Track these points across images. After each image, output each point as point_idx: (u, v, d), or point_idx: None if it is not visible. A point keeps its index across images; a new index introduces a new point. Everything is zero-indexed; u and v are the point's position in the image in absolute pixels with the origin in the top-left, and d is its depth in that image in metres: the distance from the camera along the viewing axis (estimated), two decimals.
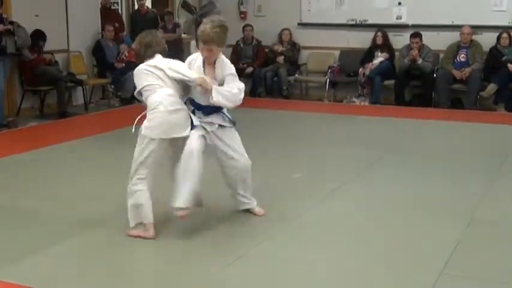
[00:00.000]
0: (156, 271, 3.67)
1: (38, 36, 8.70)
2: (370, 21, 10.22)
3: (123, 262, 3.78)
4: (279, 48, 10.59)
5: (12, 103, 8.71)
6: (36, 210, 4.61)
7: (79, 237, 4.10)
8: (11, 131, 7.91)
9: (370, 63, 9.75)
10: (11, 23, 8.06)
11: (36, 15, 8.88)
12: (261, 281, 3.43)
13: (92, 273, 3.58)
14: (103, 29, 10.03)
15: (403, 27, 9.89)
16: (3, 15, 7.97)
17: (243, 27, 10.75)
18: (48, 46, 8.93)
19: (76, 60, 9.73)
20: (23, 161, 6.21)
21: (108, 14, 10.41)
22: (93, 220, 4.37)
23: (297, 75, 10.58)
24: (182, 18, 10.91)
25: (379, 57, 9.77)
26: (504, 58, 8.84)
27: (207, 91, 4.00)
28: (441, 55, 9.54)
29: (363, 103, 9.77)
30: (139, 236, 3.99)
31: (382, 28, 9.94)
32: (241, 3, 11.26)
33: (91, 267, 3.66)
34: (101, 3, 10.46)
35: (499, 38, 9.10)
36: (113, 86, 9.91)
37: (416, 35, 9.42)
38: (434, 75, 9.32)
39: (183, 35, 10.91)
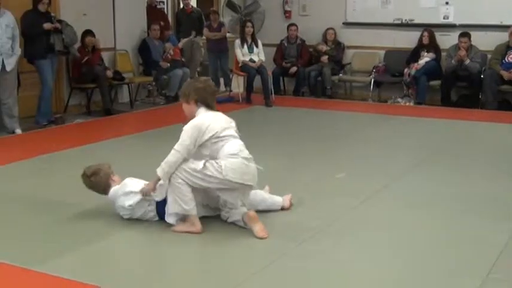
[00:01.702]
0: (198, 268, 3.68)
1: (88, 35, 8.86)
2: (416, 21, 10.08)
3: (165, 258, 3.81)
4: (323, 47, 10.54)
5: (60, 100, 8.88)
6: (81, 206, 4.66)
7: (124, 233, 4.14)
8: (59, 127, 8.05)
9: (416, 63, 9.63)
10: (59, 21, 8.19)
11: (84, 14, 9.02)
12: (299, 281, 3.42)
13: (136, 268, 3.63)
14: (149, 27, 10.13)
15: (450, 26, 9.74)
16: (52, 14, 8.11)
17: (288, 27, 10.72)
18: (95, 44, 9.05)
19: (122, 59, 9.87)
20: (69, 157, 6.32)
21: (153, 13, 10.52)
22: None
23: (341, 74, 10.52)
24: (227, 17, 10.95)
25: (425, 57, 9.63)
26: None
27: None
28: (489, 55, 9.36)
29: (407, 103, 9.66)
30: (186, 232, 4.03)
31: (428, 28, 9.79)
32: (286, 3, 11.23)
33: (135, 263, 3.73)
34: (147, 2, 10.58)
35: None
36: (155, 83, 10.02)
37: (464, 35, 9.24)
38: (482, 75, 9.15)
39: (227, 33, 10.95)
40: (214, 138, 4.00)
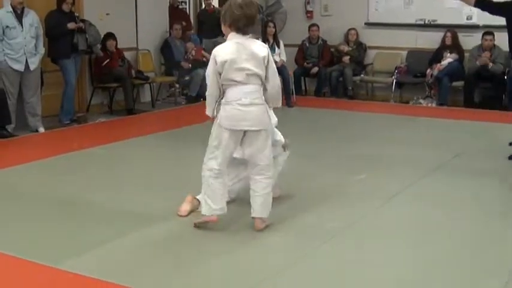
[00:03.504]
0: (221, 263, 3.67)
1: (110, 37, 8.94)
2: (439, 21, 10.03)
3: (186, 255, 3.81)
4: (345, 48, 10.53)
5: (83, 99, 8.96)
6: (102, 203, 4.70)
7: (144, 230, 4.15)
8: (81, 126, 8.12)
9: (439, 64, 9.58)
10: (83, 21, 8.26)
11: (107, 14, 9.10)
12: (319, 281, 3.41)
13: (156, 265, 3.63)
14: (171, 27, 10.18)
15: (474, 27, 9.66)
16: (75, 14, 8.18)
17: (309, 27, 10.72)
18: (120, 44, 9.14)
19: (144, 58, 9.93)
20: (91, 156, 6.37)
21: (176, 13, 10.58)
22: (159, 213, 4.43)
23: (362, 75, 10.49)
24: None
25: (448, 58, 9.57)
26: None
27: None
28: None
29: (430, 104, 9.61)
30: (204, 222, 4.06)
31: (451, 28, 9.75)
32: (308, 3, 11.23)
33: (155, 260, 3.72)
34: (169, 2, 10.63)
35: None
36: (178, 85, 10.07)
37: (489, 33, 9.18)
38: (505, 77, 9.06)
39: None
40: (224, 81, 3.90)
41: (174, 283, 3.39)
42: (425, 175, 5.53)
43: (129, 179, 5.44)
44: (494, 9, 6.32)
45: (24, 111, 7.60)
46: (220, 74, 3.88)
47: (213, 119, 4.01)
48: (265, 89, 3.98)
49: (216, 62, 3.88)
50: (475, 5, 6.32)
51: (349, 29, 10.59)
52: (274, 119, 4.27)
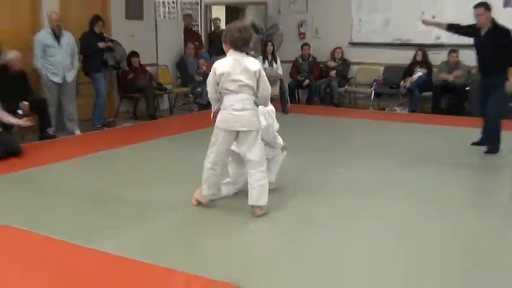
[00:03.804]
0: (224, 244, 3.68)
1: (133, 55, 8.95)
2: (412, 41, 10.03)
3: (197, 237, 3.83)
4: (332, 63, 10.54)
5: (112, 107, 8.99)
6: (129, 194, 4.72)
7: (163, 216, 4.18)
8: (110, 129, 8.15)
9: (410, 77, 9.59)
10: (111, 41, 8.29)
11: (132, 36, 9.13)
12: (310, 262, 3.43)
13: (172, 245, 3.67)
14: (185, 46, 10.19)
15: (440, 46, 9.67)
16: (105, 35, 8.21)
17: (302, 46, 10.72)
18: (143, 60, 9.16)
19: (163, 73, 9.96)
20: (119, 154, 6.40)
21: (189, 34, 10.58)
22: (178, 202, 4.46)
23: (346, 86, 10.49)
24: (251, 38, 10.96)
25: (419, 72, 9.58)
26: None
27: None
28: (473, 70, 9.27)
29: (403, 111, 9.62)
30: (199, 201, 4.32)
31: (422, 47, 9.77)
32: (301, 26, 11.24)
33: (171, 241, 3.75)
34: (184, 24, 10.64)
35: None
36: (192, 95, 10.08)
37: (454, 51, 9.26)
38: (467, 88, 9.07)
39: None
40: (222, 89, 4.02)
41: (186, 260, 3.40)
42: (399, 171, 5.56)
43: (151, 174, 5.46)
44: (462, 32, 6.37)
45: (62, 117, 7.62)
46: (218, 84, 4.02)
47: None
48: (256, 97, 4.05)
49: (215, 73, 4.02)
50: (448, 30, 6.41)
51: (335, 48, 10.59)
52: (263, 123, 4.29)
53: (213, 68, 4.07)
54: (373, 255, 3.50)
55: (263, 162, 4.15)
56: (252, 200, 4.11)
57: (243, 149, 4.10)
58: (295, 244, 3.67)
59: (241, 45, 4.01)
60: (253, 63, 4.01)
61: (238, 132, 4.06)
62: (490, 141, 6.24)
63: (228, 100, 4.02)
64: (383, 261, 3.40)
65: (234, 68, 3.96)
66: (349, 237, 3.80)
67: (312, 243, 3.70)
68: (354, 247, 3.62)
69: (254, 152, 4.08)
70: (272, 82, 4.27)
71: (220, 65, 4.02)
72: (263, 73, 4.05)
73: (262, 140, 4.19)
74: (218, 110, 4.14)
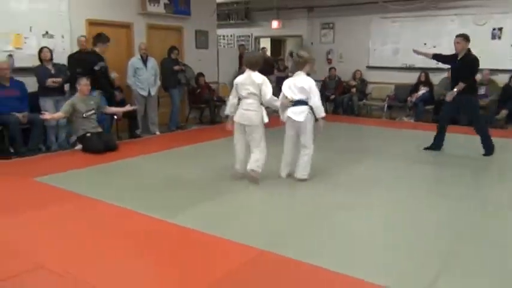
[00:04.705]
0: (267, 207, 3.69)
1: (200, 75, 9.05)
2: (416, 65, 9.83)
3: (250, 208, 3.86)
4: (353, 82, 10.44)
5: (183, 114, 9.10)
6: (195, 179, 4.79)
7: (228, 195, 4.20)
8: (182, 131, 8.26)
9: (416, 94, 9.40)
10: (184, 64, 8.42)
11: (199, 60, 9.26)
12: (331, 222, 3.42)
13: (234, 218, 3.70)
14: (240, 68, 10.26)
15: (441, 69, 9.42)
16: (179, 60, 8.35)
17: (329, 69, 10.67)
18: (207, 79, 9.24)
19: (223, 88, 10.03)
20: (188, 151, 6.47)
21: (243, 59, 10.65)
22: (237, 184, 4.52)
23: (364, 100, 10.37)
24: (289, 62, 10.99)
25: (422, 90, 9.39)
26: None
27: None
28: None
29: (409, 120, 9.43)
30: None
31: (425, 70, 9.55)
32: (329, 53, 11.19)
33: (235, 215, 3.78)
34: (239, 52, 10.75)
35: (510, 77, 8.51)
36: None
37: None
38: None
39: (289, 74, 10.97)
40: (239, 95, 4.53)
41: (236, 227, 3.41)
42: (406, 168, 5.47)
43: (212, 164, 5.49)
44: (443, 60, 6.23)
45: (147, 121, 7.80)
46: (236, 91, 4.55)
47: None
48: (261, 100, 4.49)
49: (235, 83, 4.54)
50: (433, 58, 6.27)
51: (356, 70, 10.50)
52: (266, 120, 4.59)
53: (235, 80, 4.58)
54: (381, 226, 3.49)
55: (262, 148, 4.55)
56: (250, 164, 4.54)
57: (249, 138, 4.55)
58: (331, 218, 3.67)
59: (251, 66, 4.50)
60: (259, 77, 4.44)
61: (245, 125, 4.51)
62: (485, 146, 6.04)
63: (241, 103, 4.53)
64: (388, 230, 3.39)
65: (245, 80, 4.48)
66: (363, 215, 3.77)
67: (331, 220, 3.69)
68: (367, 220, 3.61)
69: (255, 140, 4.51)
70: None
71: (239, 78, 4.58)
72: (267, 84, 4.41)
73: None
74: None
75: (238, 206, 4.05)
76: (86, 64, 6.48)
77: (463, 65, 5.80)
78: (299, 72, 4.57)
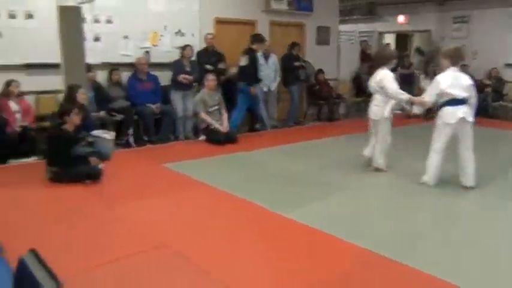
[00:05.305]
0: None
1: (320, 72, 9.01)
2: None
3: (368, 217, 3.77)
4: (487, 81, 9.49)
5: (302, 110, 9.11)
6: (309, 175, 4.79)
7: (342, 193, 4.15)
8: (300, 127, 8.29)
9: None
10: (304, 61, 8.44)
11: (318, 58, 9.20)
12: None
13: (354, 218, 3.63)
14: (361, 65, 10.01)
15: None
16: (300, 56, 8.36)
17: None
18: (327, 76, 9.16)
19: (343, 85, 9.87)
20: (307, 146, 6.48)
21: (365, 56, 10.35)
22: (345, 183, 4.40)
23: (501, 102, 9.37)
24: (416, 59, 10.41)
25: None
26: None
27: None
28: None
29: None
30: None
31: None
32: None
33: (354, 214, 3.71)
34: (361, 48, 10.48)
35: None
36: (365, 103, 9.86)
37: None
38: None
39: (415, 70, 10.38)
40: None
41: (354, 226, 3.34)
42: None
43: (326, 161, 5.43)
44: None
45: (261, 116, 7.82)
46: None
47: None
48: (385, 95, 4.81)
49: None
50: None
51: (492, 68, 9.51)
52: (386, 114, 4.84)
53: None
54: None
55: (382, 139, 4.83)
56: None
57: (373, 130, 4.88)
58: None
59: (381, 62, 4.80)
60: (381, 74, 4.70)
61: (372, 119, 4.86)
62: None
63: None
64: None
65: (375, 76, 4.79)
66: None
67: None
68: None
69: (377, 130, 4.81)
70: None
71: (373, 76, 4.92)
72: (383, 82, 4.61)
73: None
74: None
75: (357, 204, 3.97)
76: (213, 62, 6.93)
77: None
78: (454, 67, 4.14)
